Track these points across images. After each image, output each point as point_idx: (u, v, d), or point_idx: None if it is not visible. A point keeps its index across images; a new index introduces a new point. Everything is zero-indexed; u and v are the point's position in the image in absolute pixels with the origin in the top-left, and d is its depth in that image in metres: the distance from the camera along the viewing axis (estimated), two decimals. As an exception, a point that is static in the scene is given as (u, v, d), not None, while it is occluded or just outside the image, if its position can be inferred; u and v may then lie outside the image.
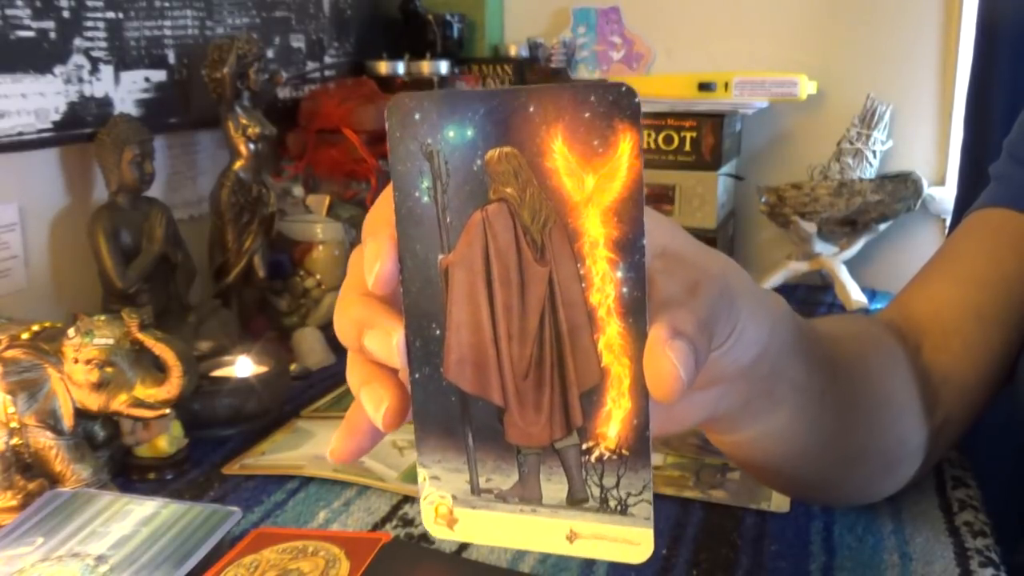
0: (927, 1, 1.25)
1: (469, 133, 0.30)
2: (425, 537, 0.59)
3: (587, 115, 0.28)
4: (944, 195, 1.26)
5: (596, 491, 0.31)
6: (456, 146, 0.30)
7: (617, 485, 0.31)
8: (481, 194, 0.30)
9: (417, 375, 0.32)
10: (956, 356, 0.57)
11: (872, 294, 1.24)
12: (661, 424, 0.36)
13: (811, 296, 1.25)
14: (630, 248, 0.29)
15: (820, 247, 1.23)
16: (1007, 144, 0.65)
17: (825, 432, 0.47)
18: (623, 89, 0.28)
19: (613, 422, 0.31)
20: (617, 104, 0.28)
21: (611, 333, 0.30)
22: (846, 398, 0.49)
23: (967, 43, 1.20)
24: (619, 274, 0.30)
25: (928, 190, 1.26)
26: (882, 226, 1.24)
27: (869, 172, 1.24)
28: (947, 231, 1.25)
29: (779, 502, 0.63)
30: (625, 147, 0.28)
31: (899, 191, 1.21)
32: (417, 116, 0.30)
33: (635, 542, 0.31)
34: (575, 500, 0.32)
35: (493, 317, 0.31)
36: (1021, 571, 0.63)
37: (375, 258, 0.31)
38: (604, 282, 0.30)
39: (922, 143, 1.29)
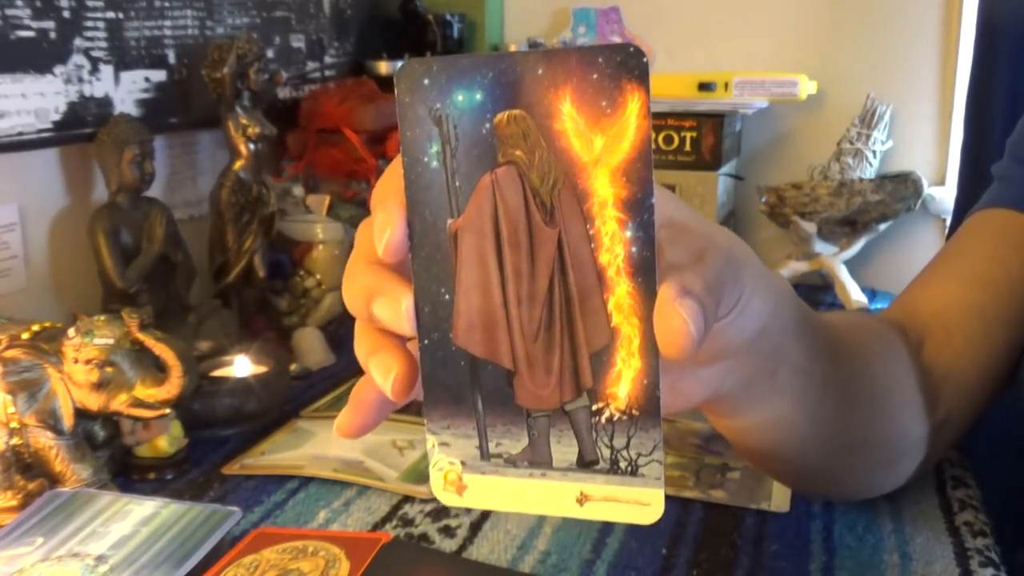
0: (927, 1, 1.25)
1: (478, 97, 0.30)
2: (425, 537, 0.59)
3: (595, 76, 0.28)
4: (944, 195, 1.26)
5: (606, 452, 0.31)
6: (465, 110, 0.30)
7: (627, 446, 0.31)
8: (490, 157, 0.30)
9: (426, 341, 0.32)
10: (959, 354, 0.57)
11: (872, 294, 1.24)
12: (668, 401, 0.36)
13: (811, 296, 1.25)
14: (639, 207, 0.29)
15: (820, 247, 1.23)
16: (1010, 145, 0.65)
17: (827, 420, 0.48)
18: (631, 50, 0.28)
19: (623, 382, 0.31)
20: (625, 65, 0.28)
21: (620, 293, 0.30)
22: (848, 387, 0.49)
23: (967, 43, 1.20)
24: (628, 233, 0.30)
25: (928, 190, 1.26)
26: (882, 226, 1.24)
27: (869, 172, 1.24)
28: (947, 231, 1.25)
29: (779, 502, 0.63)
30: (633, 107, 0.28)
31: (899, 191, 1.21)
32: (426, 81, 0.30)
33: (646, 503, 0.31)
34: (585, 462, 0.32)
35: (503, 280, 0.31)
36: (1021, 571, 0.63)
37: (385, 225, 0.31)
38: (613, 242, 0.30)
39: (922, 143, 1.29)
